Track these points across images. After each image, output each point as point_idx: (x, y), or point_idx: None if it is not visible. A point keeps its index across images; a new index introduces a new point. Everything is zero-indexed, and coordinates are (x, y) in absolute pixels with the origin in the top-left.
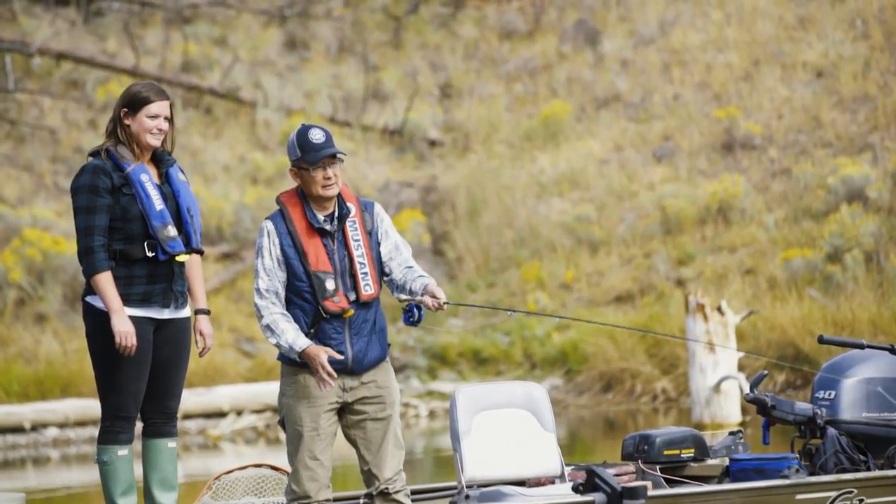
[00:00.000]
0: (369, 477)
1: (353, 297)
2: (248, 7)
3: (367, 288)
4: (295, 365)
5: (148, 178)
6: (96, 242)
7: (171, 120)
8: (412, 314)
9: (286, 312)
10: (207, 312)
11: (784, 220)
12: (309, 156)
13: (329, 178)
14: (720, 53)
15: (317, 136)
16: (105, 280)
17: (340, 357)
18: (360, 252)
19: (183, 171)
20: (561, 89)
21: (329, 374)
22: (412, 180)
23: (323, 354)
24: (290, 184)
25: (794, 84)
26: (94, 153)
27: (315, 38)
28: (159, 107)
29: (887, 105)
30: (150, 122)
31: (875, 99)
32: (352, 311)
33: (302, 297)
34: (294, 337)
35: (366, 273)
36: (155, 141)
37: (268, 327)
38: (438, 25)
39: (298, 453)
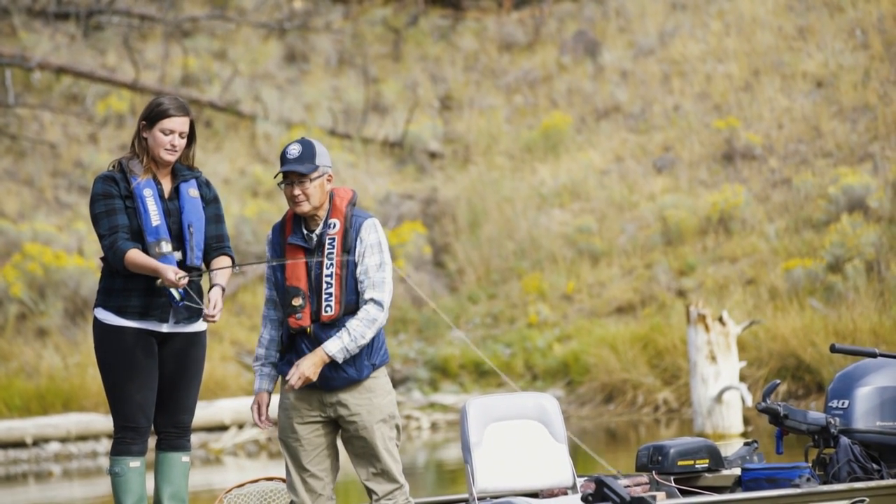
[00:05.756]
0: (368, 491)
1: (315, 316)
2: (248, 20)
3: (328, 309)
4: (282, 376)
5: (151, 193)
6: (120, 237)
7: (192, 136)
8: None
9: (272, 336)
10: (222, 289)
11: (785, 230)
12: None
13: (296, 196)
14: (720, 64)
15: (290, 150)
16: (136, 255)
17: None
18: (329, 272)
19: (207, 186)
20: (561, 100)
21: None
22: (413, 192)
23: None
24: None
25: (794, 94)
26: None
27: (315, 51)
28: (175, 122)
29: (887, 115)
30: (164, 138)
31: (875, 108)
32: (310, 330)
33: (282, 309)
34: (257, 383)
35: (330, 294)
36: (169, 157)
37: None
38: (438, 37)
39: (287, 464)
